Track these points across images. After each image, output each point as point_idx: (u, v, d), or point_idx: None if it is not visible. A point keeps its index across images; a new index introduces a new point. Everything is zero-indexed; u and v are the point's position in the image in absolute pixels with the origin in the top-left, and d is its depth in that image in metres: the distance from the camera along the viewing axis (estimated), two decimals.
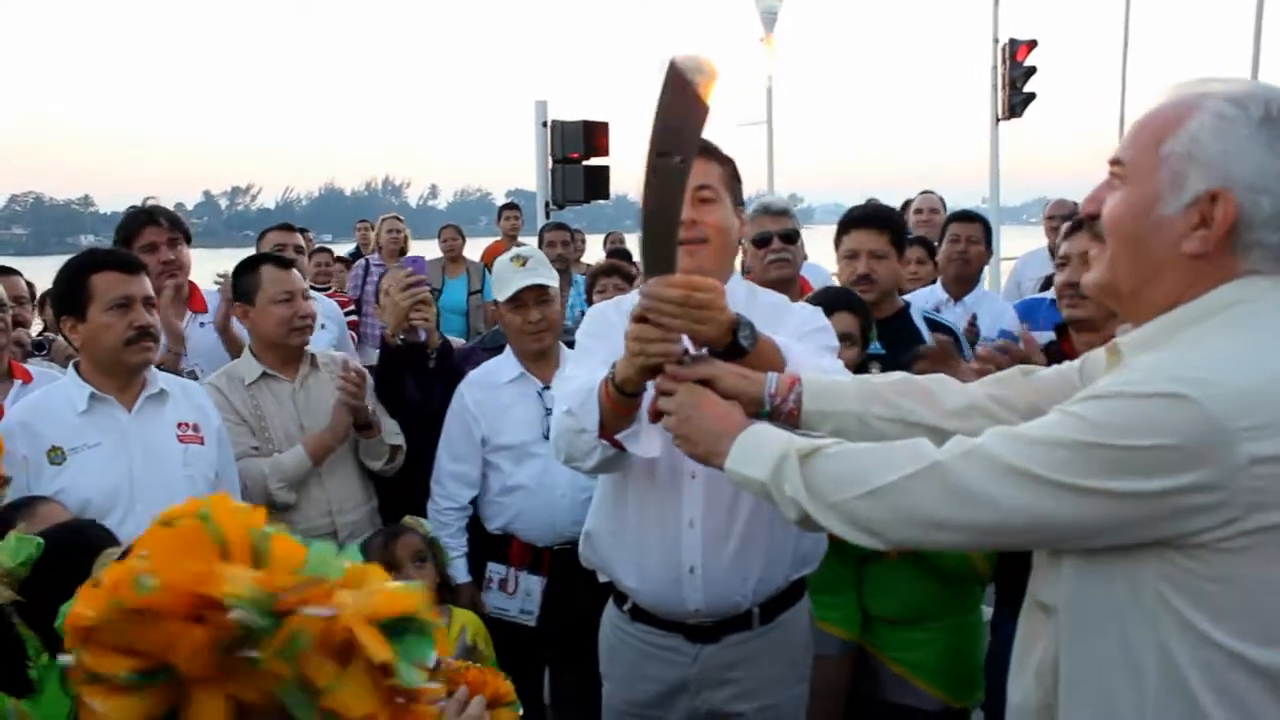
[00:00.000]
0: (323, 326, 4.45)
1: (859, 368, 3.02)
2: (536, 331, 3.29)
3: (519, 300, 3.28)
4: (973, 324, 3.65)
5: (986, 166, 15.61)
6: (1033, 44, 14.11)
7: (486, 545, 3.37)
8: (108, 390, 2.78)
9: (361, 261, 8.25)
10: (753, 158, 17.00)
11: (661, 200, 1.74)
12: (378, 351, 3.62)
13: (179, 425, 2.85)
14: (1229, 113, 1.34)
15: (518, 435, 3.30)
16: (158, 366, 3.24)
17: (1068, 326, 2.85)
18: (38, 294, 5.24)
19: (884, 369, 2.95)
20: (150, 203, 3.93)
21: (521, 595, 3.30)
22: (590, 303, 4.50)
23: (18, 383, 3.21)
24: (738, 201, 2.29)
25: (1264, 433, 1.24)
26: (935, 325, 3.52)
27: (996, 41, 14.55)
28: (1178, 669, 1.32)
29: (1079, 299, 2.66)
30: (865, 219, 3.54)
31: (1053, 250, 4.65)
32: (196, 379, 3.35)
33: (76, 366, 2.84)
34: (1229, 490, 1.24)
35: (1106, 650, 1.38)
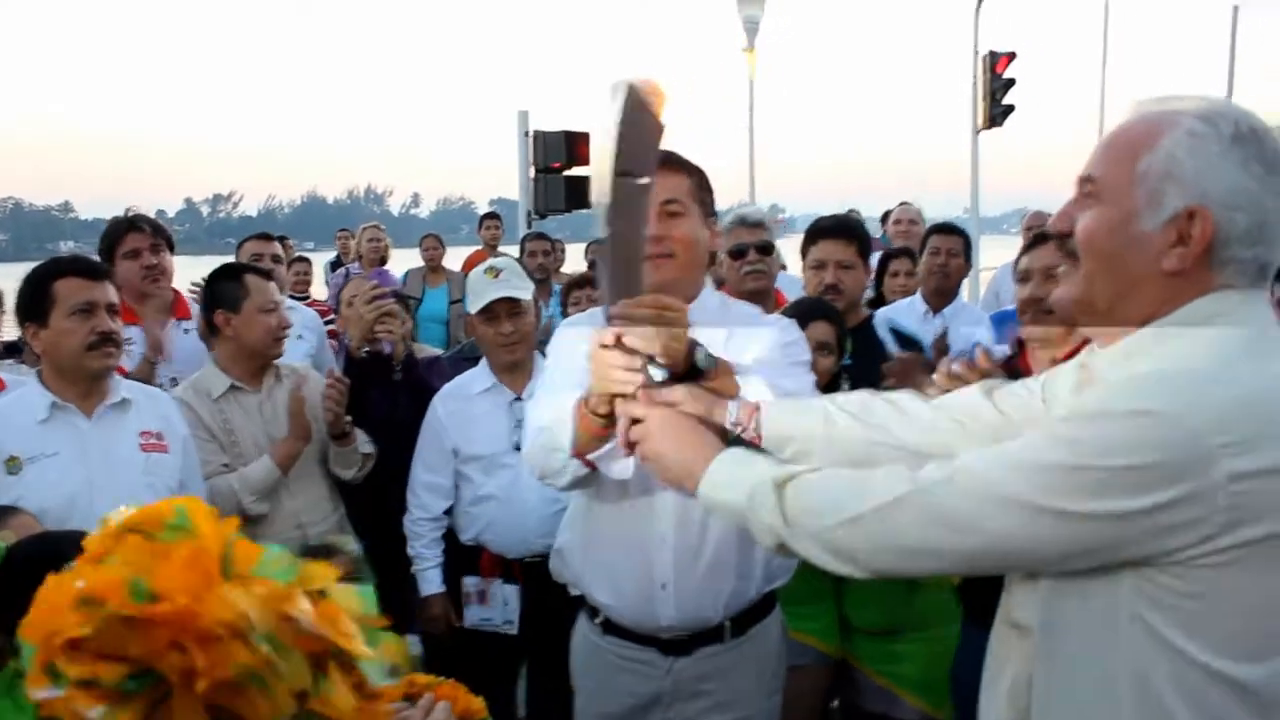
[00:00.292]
0: (300, 337, 4.44)
1: (835, 376, 3.03)
2: (508, 343, 3.30)
3: (491, 312, 3.29)
4: (943, 339, 3.66)
5: (967, 177, 15.70)
6: (1012, 56, 14.23)
7: (460, 557, 3.38)
8: (69, 398, 2.76)
9: (341, 270, 8.22)
10: (734, 168, 17.04)
11: (625, 222, 1.72)
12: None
13: (142, 434, 2.82)
14: (1201, 130, 1.35)
15: (488, 446, 3.31)
16: (132, 376, 3.22)
17: (1024, 342, 2.83)
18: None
19: (851, 379, 2.96)
20: (131, 211, 3.96)
21: (500, 605, 3.30)
22: (565, 314, 4.51)
23: None
24: (708, 213, 2.26)
25: (1242, 448, 1.23)
26: (900, 336, 3.53)
27: (977, 53, 14.66)
28: (1154, 686, 1.32)
29: (1041, 315, 2.64)
30: (833, 229, 3.56)
31: None
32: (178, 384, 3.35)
33: (40, 374, 2.82)
34: (1208, 507, 1.24)
35: (1082, 669, 1.37)
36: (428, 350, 4.43)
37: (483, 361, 3.43)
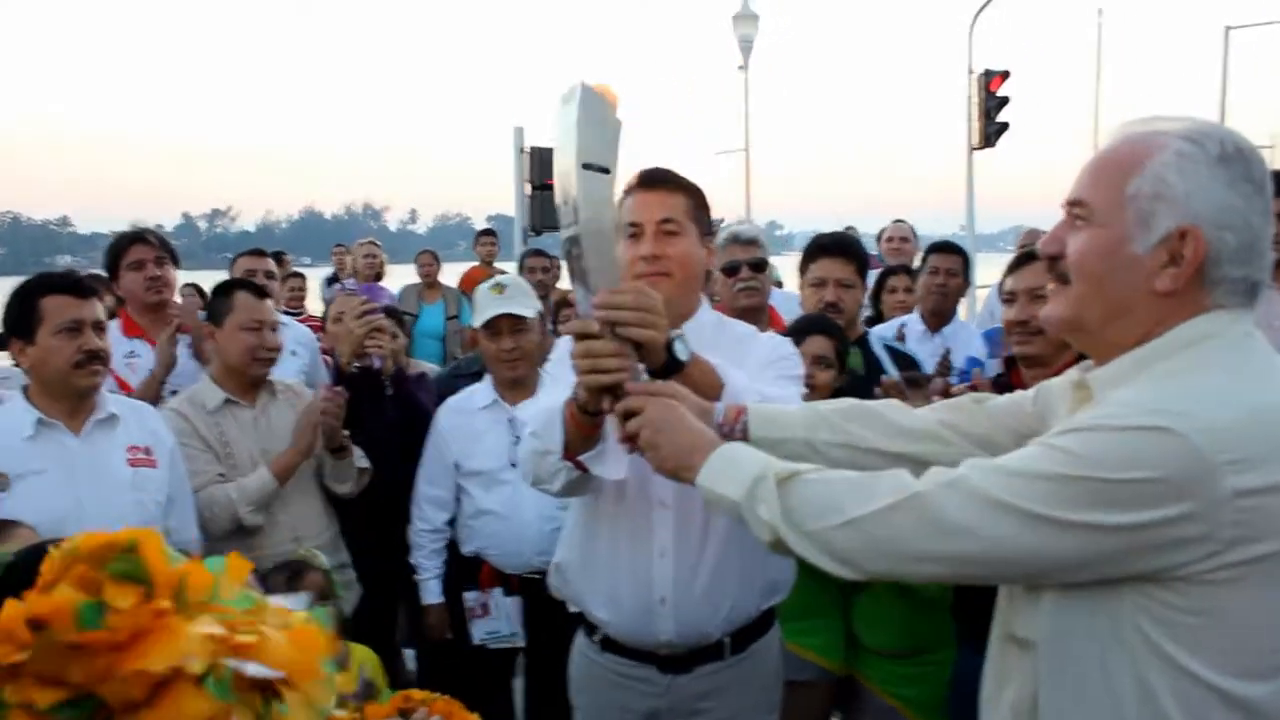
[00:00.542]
0: (294, 353, 4.43)
1: (838, 391, 3.02)
2: (510, 359, 3.32)
3: (494, 328, 3.32)
4: (945, 359, 3.65)
5: (963, 194, 15.77)
6: (1006, 74, 14.33)
7: (460, 571, 3.39)
8: (56, 415, 2.75)
9: (337, 286, 8.21)
10: (731, 186, 17.11)
11: (593, 214, 1.75)
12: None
13: (129, 449, 2.82)
14: (1189, 150, 1.36)
15: (487, 461, 3.33)
16: (139, 393, 3.27)
17: (1017, 361, 2.81)
18: None
19: (848, 396, 2.95)
20: (136, 225, 4.03)
21: (504, 617, 3.31)
22: (556, 330, 4.52)
23: None
24: (705, 232, 2.26)
25: (1246, 465, 1.24)
26: (896, 354, 3.53)
27: (971, 72, 14.76)
28: (1158, 702, 1.32)
29: (1029, 335, 2.64)
30: (833, 247, 3.54)
31: None
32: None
33: (26, 390, 2.81)
34: (1212, 523, 1.24)
35: (1087, 684, 1.37)
36: (419, 365, 4.43)
37: (486, 377, 3.45)
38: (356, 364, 3.48)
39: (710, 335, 2.17)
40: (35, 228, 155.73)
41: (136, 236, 3.81)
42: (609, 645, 2.32)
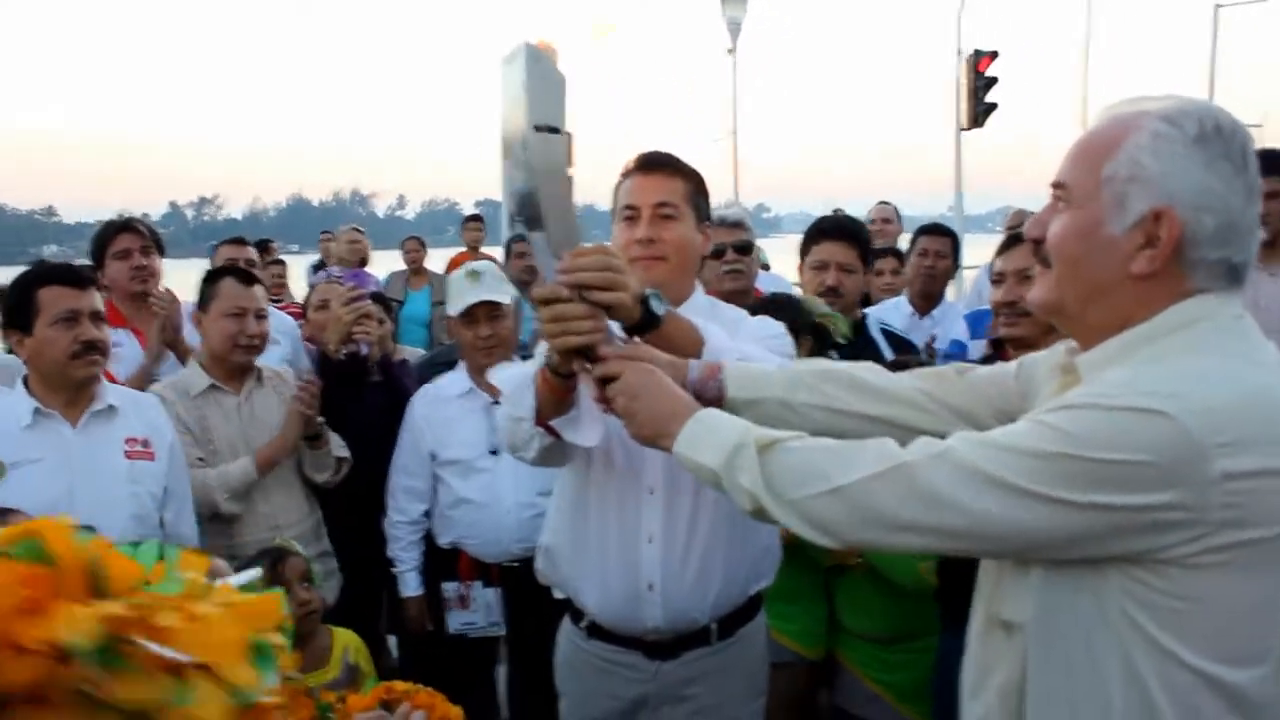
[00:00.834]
0: (275, 341, 4.39)
1: None
2: (486, 347, 3.30)
3: (470, 315, 3.30)
4: (931, 344, 3.64)
5: (951, 175, 15.78)
6: (994, 55, 14.31)
7: (439, 562, 3.37)
8: (54, 405, 2.76)
9: (322, 274, 8.16)
10: (719, 167, 17.08)
11: (549, 175, 1.73)
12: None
13: (127, 441, 2.82)
14: (1165, 131, 1.34)
15: (464, 450, 3.31)
16: (126, 383, 3.24)
17: (1005, 342, 2.80)
18: None
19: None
20: (122, 215, 4.00)
21: (483, 608, 3.29)
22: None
23: None
24: (702, 218, 2.25)
25: (1238, 448, 1.23)
26: (893, 338, 3.51)
27: (960, 53, 14.75)
28: (1144, 686, 1.31)
29: (1016, 317, 2.62)
30: (836, 231, 3.49)
31: None
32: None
33: (25, 380, 2.83)
34: (1202, 506, 1.23)
35: (1075, 667, 1.36)
36: (401, 352, 4.41)
37: (461, 365, 3.42)
38: (343, 351, 3.45)
39: (704, 320, 2.16)
40: (20, 217, 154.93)
41: (123, 225, 3.79)
42: (595, 631, 2.31)
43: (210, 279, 3.35)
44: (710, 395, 1.74)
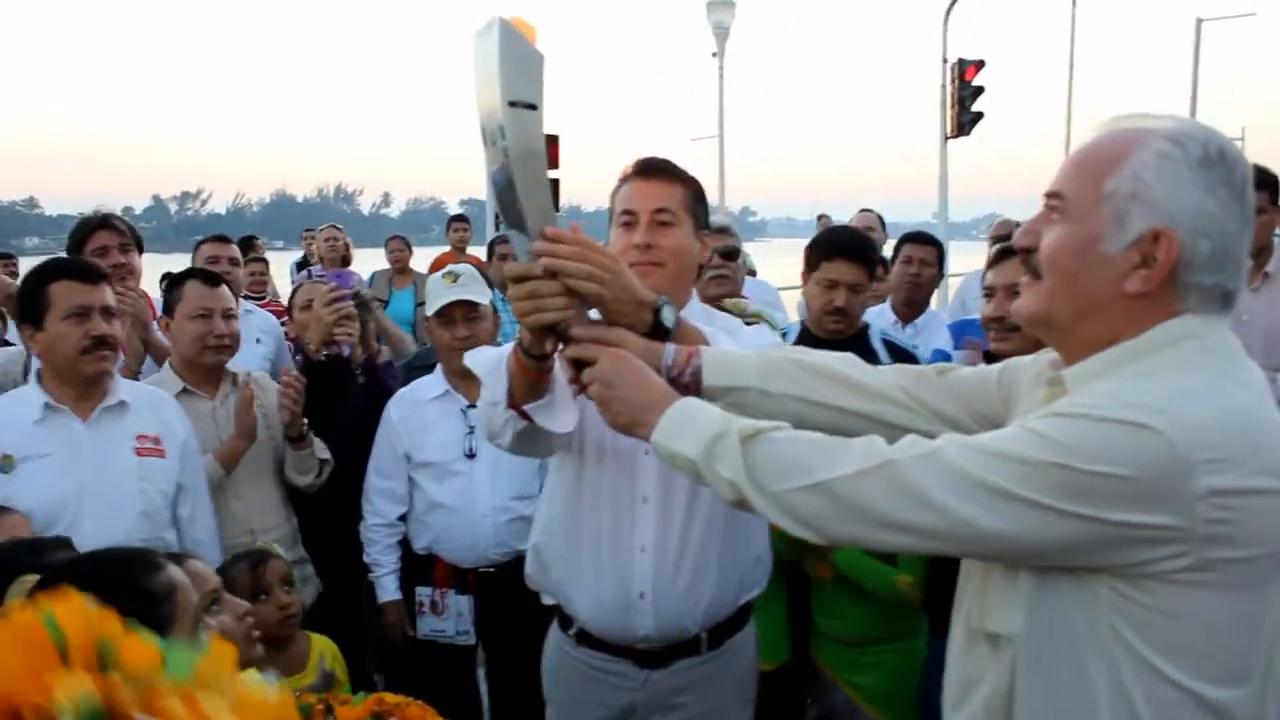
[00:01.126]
0: (258, 341, 4.35)
1: None
2: (464, 348, 3.25)
3: (447, 316, 3.27)
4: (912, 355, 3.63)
5: (935, 181, 15.85)
6: (981, 64, 14.39)
7: (414, 567, 3.34)
8: (65, 400, 2.75)
9: (304, 272, 8.12)
10: (705, 172, 17.10)
11: (525, 153, 1.69)
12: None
13: (138, 437, 2.80)
14: (1170, 151, 1.33)
15: (439, 453, 3.28)
16: None
17: (992, 355, 2.79)
18: None
19: None
20: (101, 209, 3.92)
21: (454, 616, 3.26)
22: None
23: None
24: (701, 225, 2.24)
25: (1224, 465, 1.23)
26: (893, 347, 3.50)
27: (946, 61, 14.82)
28: (1132, 702, 1.31)
29: (1006, 333, 2.61)
30: (849, 250, 3.32)
31: None
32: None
33: (38, 375, 2.82)
34: (1187, 523, 1.23)
35: (1064, 681, 1.36)
36: (388, 352, 4.37)
37: (438, 368, 3.39)
38: (325, 352, 3.43)
39: (713, 329, 2.15)
40: (2, 208, 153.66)
41: (100, 222, 3.71)
42: (584, 639, 2.30)
43: (174, 283, 3.30)
44: (686, 382, 1.72)
